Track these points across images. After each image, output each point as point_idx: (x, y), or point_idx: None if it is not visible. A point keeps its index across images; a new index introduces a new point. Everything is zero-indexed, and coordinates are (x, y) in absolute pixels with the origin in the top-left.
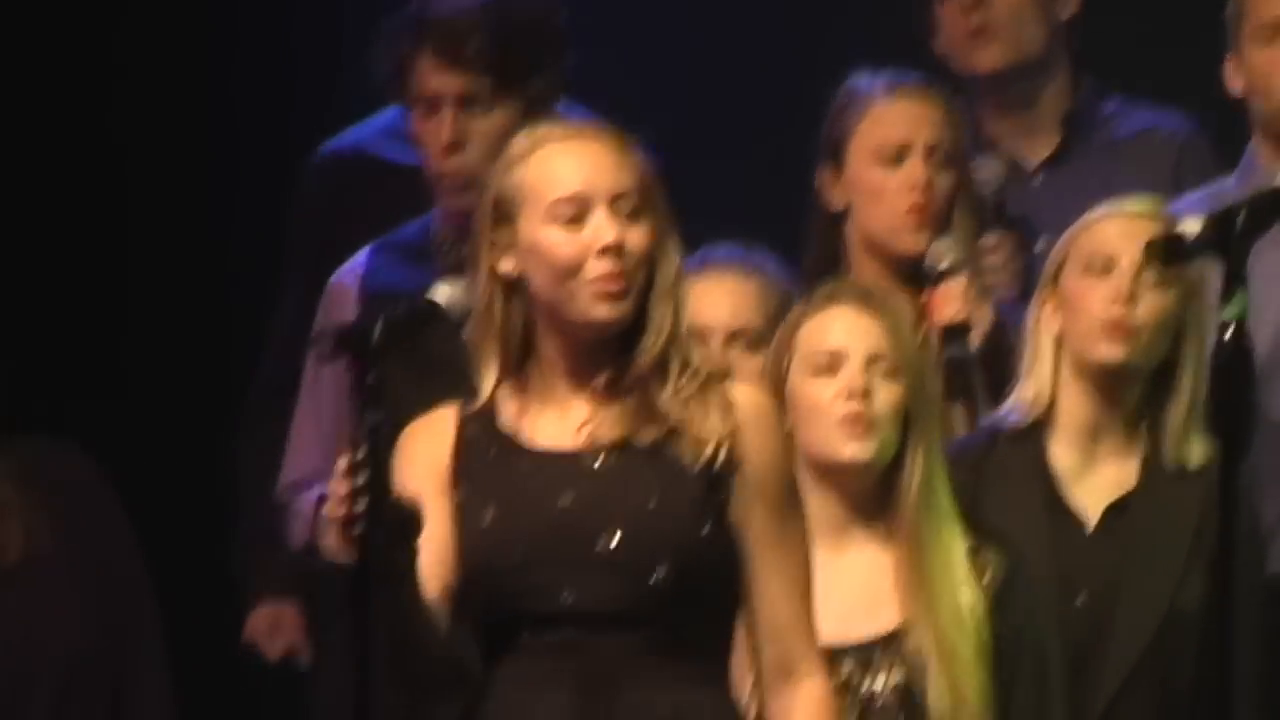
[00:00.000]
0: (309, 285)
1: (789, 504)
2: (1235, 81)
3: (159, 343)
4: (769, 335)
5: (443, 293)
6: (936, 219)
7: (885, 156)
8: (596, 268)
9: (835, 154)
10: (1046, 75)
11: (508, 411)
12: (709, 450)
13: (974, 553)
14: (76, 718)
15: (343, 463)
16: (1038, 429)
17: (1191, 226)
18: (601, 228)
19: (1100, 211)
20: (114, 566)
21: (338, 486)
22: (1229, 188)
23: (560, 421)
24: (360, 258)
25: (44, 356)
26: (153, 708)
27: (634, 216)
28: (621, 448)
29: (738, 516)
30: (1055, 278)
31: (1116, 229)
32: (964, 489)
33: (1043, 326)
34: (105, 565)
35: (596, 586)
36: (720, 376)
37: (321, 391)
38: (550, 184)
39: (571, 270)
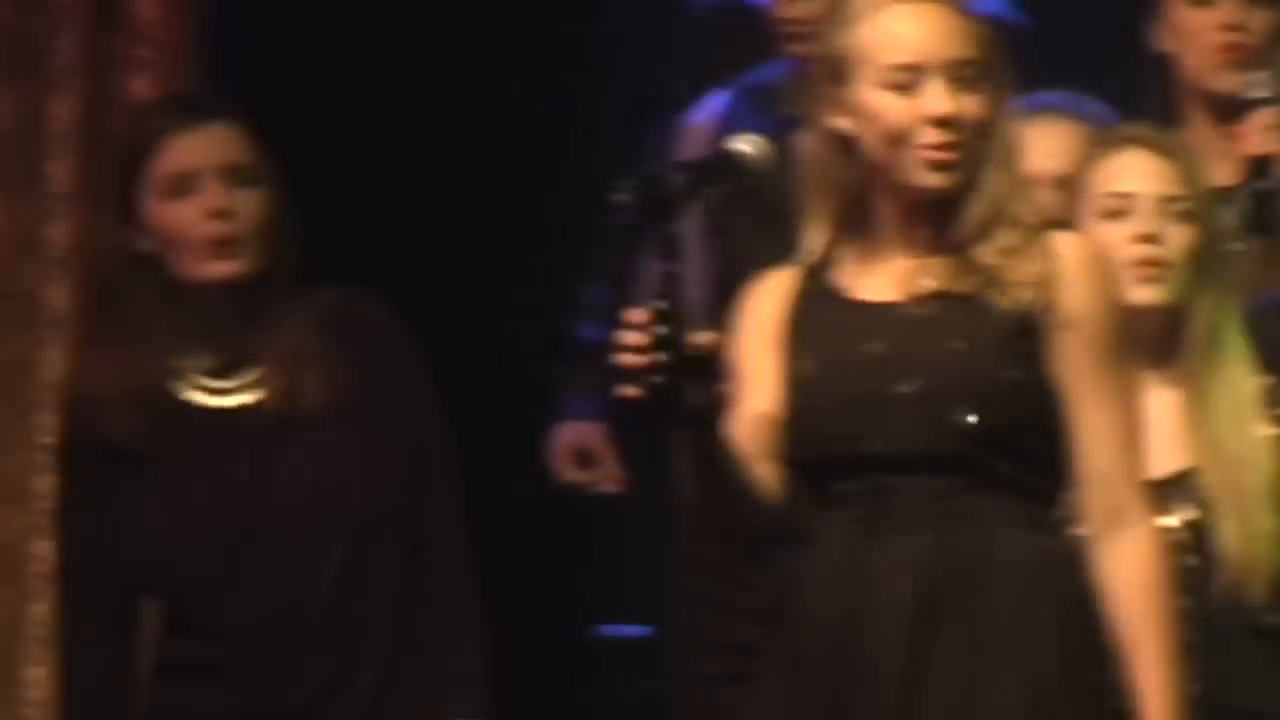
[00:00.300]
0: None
1: (1112, 352)
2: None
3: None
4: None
5: (746, 143)
6: (1252, 56)
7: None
8: (927, 136)
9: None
10: None
11: (840, 266)
12: (1022, 298)
13: (1271, 392)
14: (375, 565)
15: (639, 313)
16: None
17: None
18: (934, 97)
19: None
20: (414, 416)
21: (633, 336)
22: None
23: (886, 276)
24: (718, 99)
25: (342, 207)
26: (452, 559)
27: (969, 85)
28: (937, 297)
29: (1058, 364)
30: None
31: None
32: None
33: None
34: (405, 415)
35: (900, 430)
36: (1044, 226)
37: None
38: (886, 48)
39: (901, 137)
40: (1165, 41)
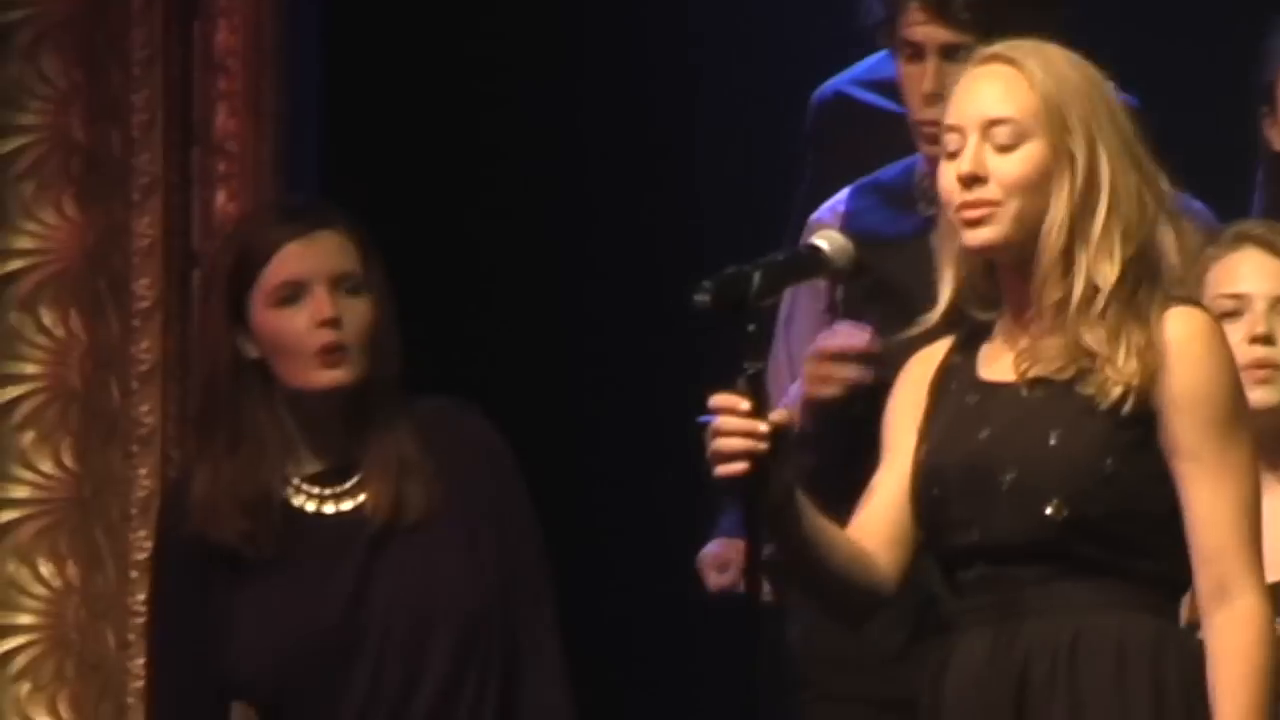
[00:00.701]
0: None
1: (1223, 428)
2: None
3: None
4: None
5: (825, 240)
6: None
7: None
8: (958, 196)
9: (1272, 97)
10: None
11: (988, 339)
12: (1120, 389)
13: None
14: (475, 673)
15: (731, 400)
16: None
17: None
18: (964, 158)
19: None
20: (510, 526)
21: (727, 422)
22: None
23: (1012, 353)
24: (842, 196)
25: (446, 322)
26: (548, 664)
27: (1004, 146)
28: (1044, 381)
29: (1168, 447)
30: None
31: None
32: None
33: None
34: (502, 525)
35: (998, 521)
36: (1160, 304)
37: (797, 322)
38: (947, 114)
39: (947, 201)
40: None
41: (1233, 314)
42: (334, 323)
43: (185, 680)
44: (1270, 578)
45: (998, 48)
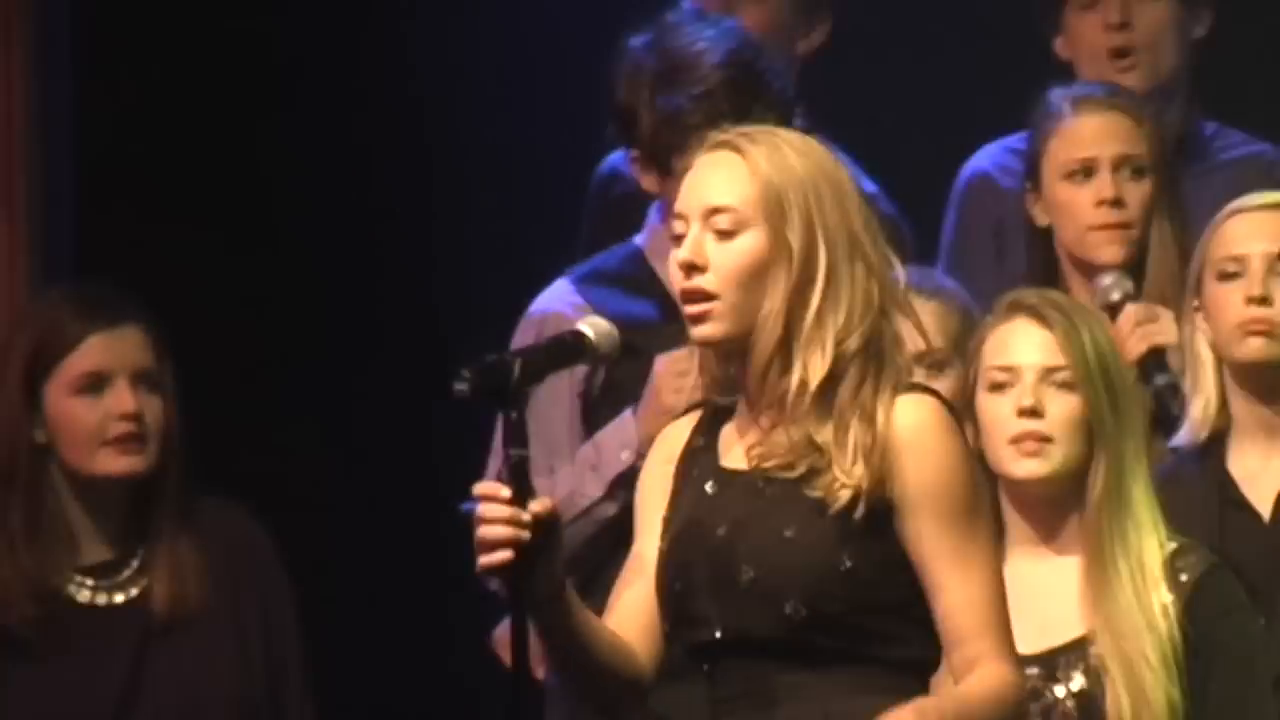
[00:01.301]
0: None
1: (964, 517)
2: None
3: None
4: (951, 356)
5: (590, 326)
6: (1130, 231)
7: (1074, 173)
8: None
9: (1034, 173)
10: (1172, 97)
11: (725, 422)
12: (848, 493)
13: (1177, 554)
14: None
15: (492, 488)
16: (1216, 441)
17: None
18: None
19: (1224, 213)
20: (276, 626)
21: (489, 510)
22: None
23: (749, 438)
24: (565, 289)
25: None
26: None
27: (722, 236)
28: (776, 477)
29: (906, 537)
30: (1197, 288)
31: (1242, 228)
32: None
33: (1199, 337)
34: (269, 625)
35: (739, 617)
36: (889, 396)
37: (542, 412)
38: None
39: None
40: (1042, 218)
41: (1003, 386)
42: (135, 417)
43: None
44: (1040, 645)
45: (728, 134)
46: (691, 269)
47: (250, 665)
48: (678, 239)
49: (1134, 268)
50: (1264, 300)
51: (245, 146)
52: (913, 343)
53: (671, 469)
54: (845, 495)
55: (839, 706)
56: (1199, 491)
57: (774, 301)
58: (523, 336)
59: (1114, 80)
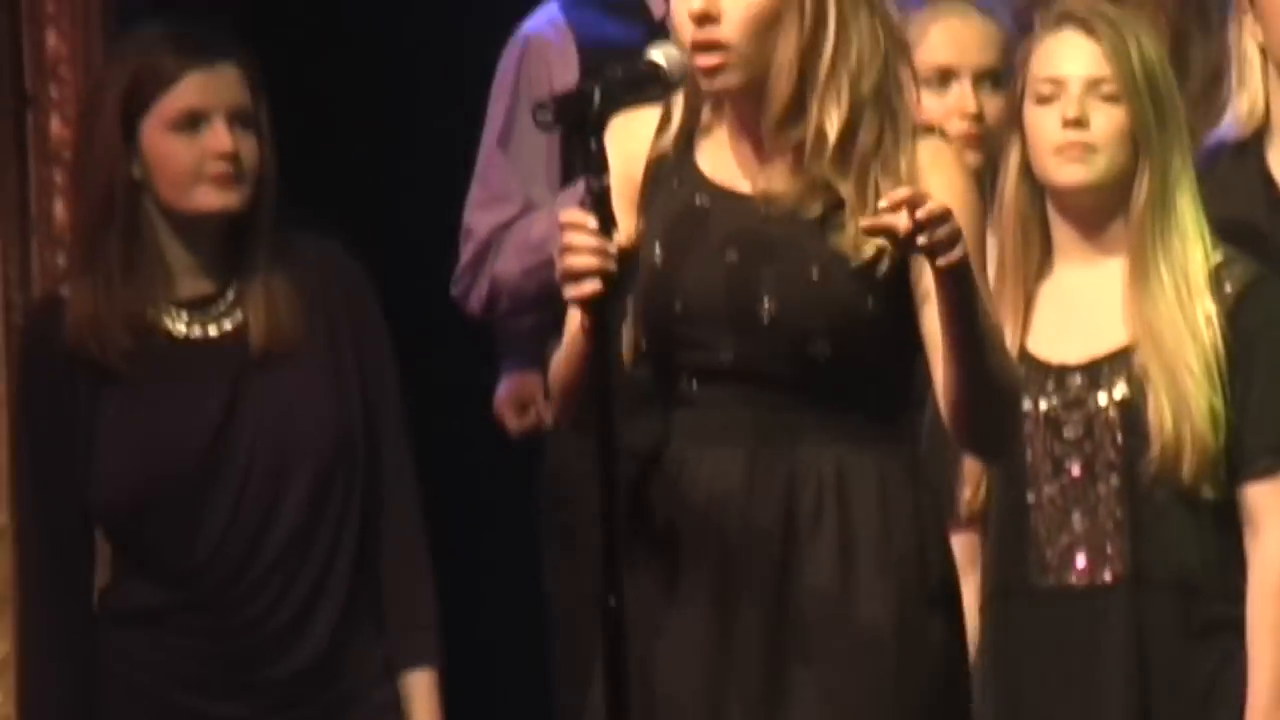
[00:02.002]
0: None
1: (976, 257)
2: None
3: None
4: (1009, 73)
5: (663, 54)
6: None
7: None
8: (688, 32)
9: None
10: None
11: (704, 133)
12: (872, 248)
13: (1222, 266)
14: (335, 503)
15: (579, 217)
16: (1257, 138)
17: None
18: None
19: None
20: (375, 369)
21: (576, 239)
22: None
23: (733, 159)
24: (553, 12)
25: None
26: (406, 508)
27: None
28: (789, 213)
29: (920, 284)
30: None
31: None
32: None
33: (1247, 37)
34: (368, 367)
35: (756, 349)
36: (909, 146)
37: (516, 136)
38: None
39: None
40: None
41: (1050, 98)
42: (231, 156)
43: (54, 503)
44: (1085, 355)
45: None
46: (704, 19)
47: (347, 399)
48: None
49: None
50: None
51: None
52: (962, 60)
53: (638, 167)
54: (869, 250)
55: (853, 451)
56: (1241, 186)
57: (787, 49)
58: (507, 58)
59: None
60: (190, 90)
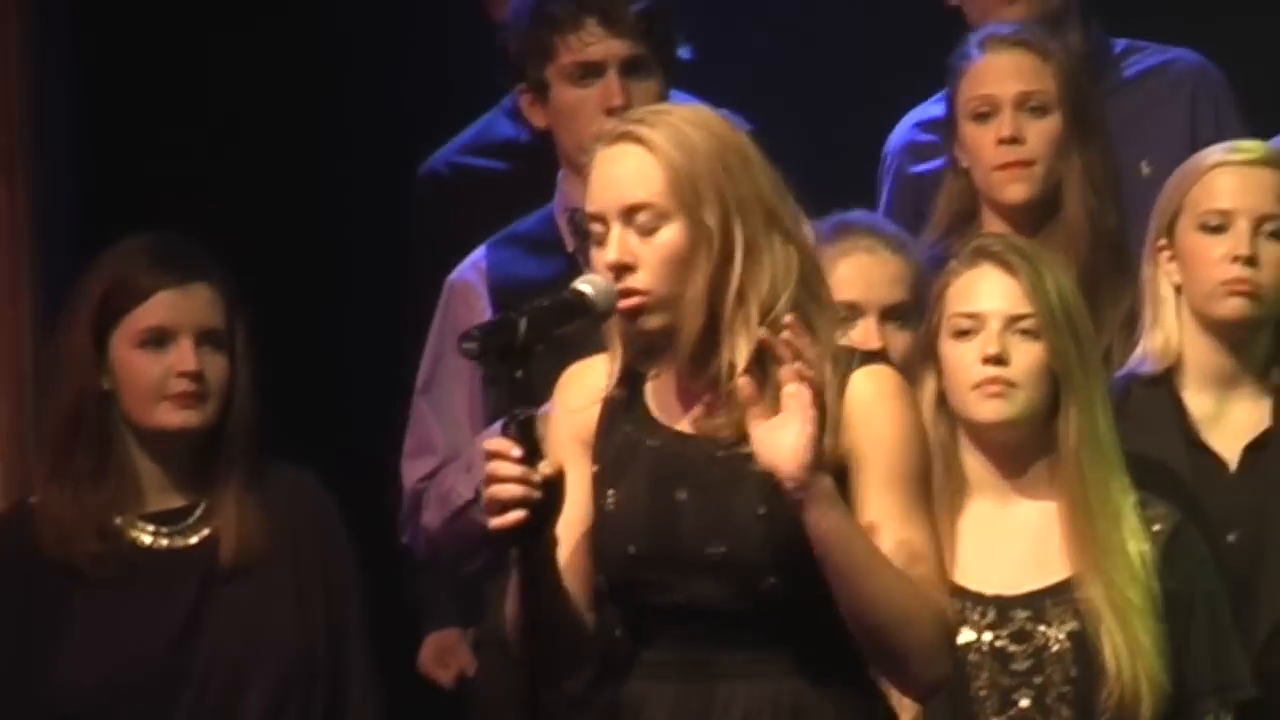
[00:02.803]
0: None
1: (913, 479)
2: None
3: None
4: (916, 308)
5: (588, 285)
6: (1033, 168)
7: (980, 113)
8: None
9: (951, 117)
10: (1064, 23)
11: (645, 377)
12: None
13: (1142, 504)
14: (294, 703)
15: (504, 445)
16: (1171, 374)
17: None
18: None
19: (1211, 159)
20: (336, 586)
21: (501, 468)
22: None
23: (679, 401)
24: (478, 254)
25: None
26: (362, 693)
27: (645, 233)
28: (733, 450)
29: (856, 502)
30: (1169, 228)
31: (1230, 182)
32: None
33: (1161, 277)
34: (329, 584)
35: (709, 588)
36: (842, 370)
37: (445, 385)
38: None
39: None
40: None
41: (968, 332)
42: (195, 376)
43: (14, 705)
44: (1022, 587)
45: (624, 123)
46: (622, 269)
47: (307, 619)
48: (599, 242)
49: (1045, 205)
50: (1250, 260)
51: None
52: (868, 297)
53: (591, 415)
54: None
55: (804, 685)
56: (1157, 423)
57: (696, 286)
58: (442, 302)
59: (1004, 14)
60: (159, 308)
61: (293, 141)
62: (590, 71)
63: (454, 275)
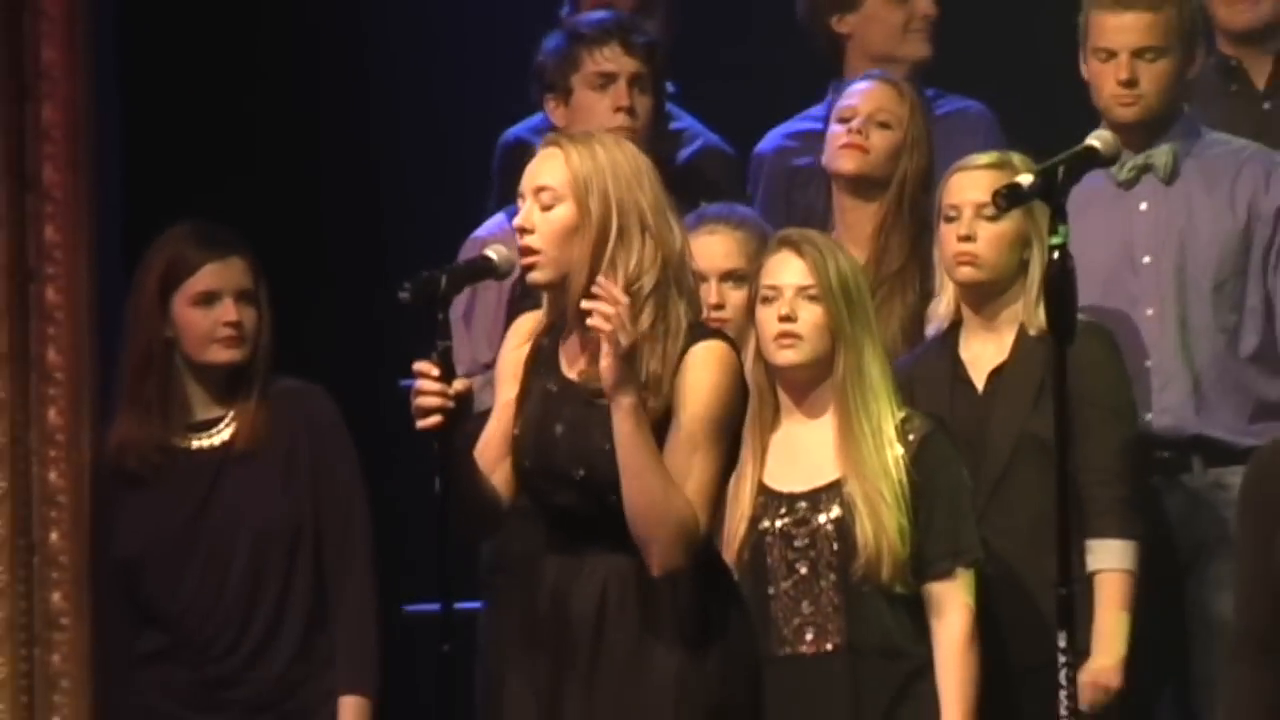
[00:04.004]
0: None
1: (701, 423)
2: (1086, 74)
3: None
4: (751, 272)
5: (493, 252)
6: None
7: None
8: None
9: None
10: None
11: (561, 334)
12: (649, 414)
13: (906, 421)
14: (273, 582)
15: (427, 367)
16: (953, 329)
17: (1025, 178)
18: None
19: (954, 166)
20: (325, 471)
21: (424, 384)
22: None
23: (573, 355)
24: (500, 218)
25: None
26: (360, 569)
27: (545, 208)
28: (596, 394)
29: (667, 436)
30: (937, 221)
31: (959, 181)
32: (907, 384)
33: (938, 256)
34: (318, 471)
35: (573, 497)
36: (686, 342)
37: (476, 320)
38: None
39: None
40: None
41: (770, 299)
42: (236, 325)
43: (107, 578)
44: (806, 485)
45: (557, 136)
46: (523, 231)
47: (290, 494)
48: (518, 212)
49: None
50: (968, 238)
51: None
52: (711, 264)
53: (524, 353)
54: (649, 409)
55: (636, 564)
56: (938, 368)
57: (581, 253)
58: (464, 252)
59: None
60: (208, 276)
61: (313, 133)
62: (607, 80)
63: (479, 231)
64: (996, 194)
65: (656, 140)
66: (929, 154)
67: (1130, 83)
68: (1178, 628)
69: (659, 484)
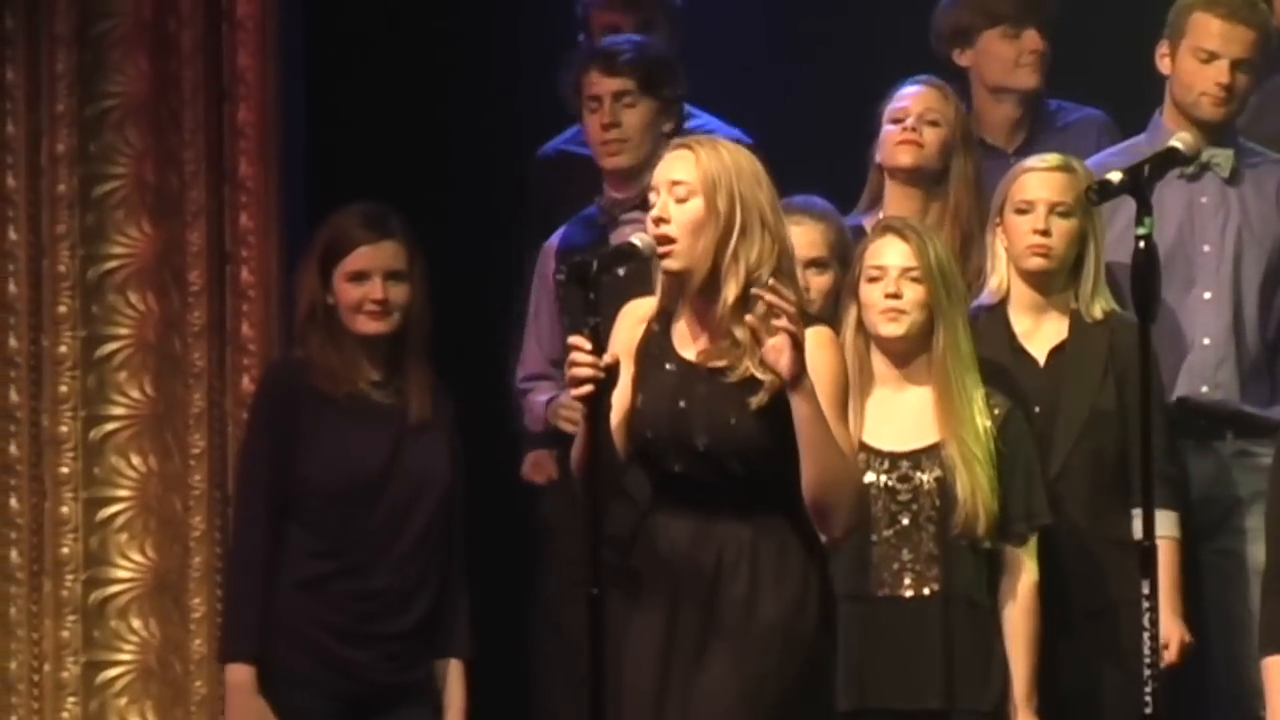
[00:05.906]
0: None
1: (835, 399)
2: (1164, 66)
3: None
4: (830, 260)
5: (639, 239)
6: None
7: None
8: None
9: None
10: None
11: (678, 316)
12: (766, 391)
13: (988, 396)
14: (438, 526)
15: (581, 341)
16: (1002, 305)
17: (1115, 175)
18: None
19: (1025, 165)
20: (456, 443)
21: (578, 357)
22: (1141, 143)
23: (690, 338)
24: (563, 228)
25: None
26: (460, 538)
27: (679, 201)
28: (717, 373)
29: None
30: (1001, 210)
31: (1032, 180)
32: None
33: (997, 243)
34: (454, 440)
35: (694, 466)
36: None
37: (542, 319)
38: None
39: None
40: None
41: (877, 278)
42: (381, 302)
43: (267, 477)
44: (907, 446)
45: (688, 138)
46: (659, 221)
47: (455, 467)
48: (650, 205)
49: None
50: (1045, 233)
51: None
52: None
53: (638, 335)
54: (765, 399)
55: (756, 527)
56: (992, 335)
57: (707, 244)
58: (539, 263)
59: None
60: (360, 257)
61: (466, 131)
62: (596, 102)
63: (547, 241)
64: (1089, 189)
65: (666, 141)
66: (976, 159)
67: (1229, 87)
68: (1216, 579)
69: (839, 456)
